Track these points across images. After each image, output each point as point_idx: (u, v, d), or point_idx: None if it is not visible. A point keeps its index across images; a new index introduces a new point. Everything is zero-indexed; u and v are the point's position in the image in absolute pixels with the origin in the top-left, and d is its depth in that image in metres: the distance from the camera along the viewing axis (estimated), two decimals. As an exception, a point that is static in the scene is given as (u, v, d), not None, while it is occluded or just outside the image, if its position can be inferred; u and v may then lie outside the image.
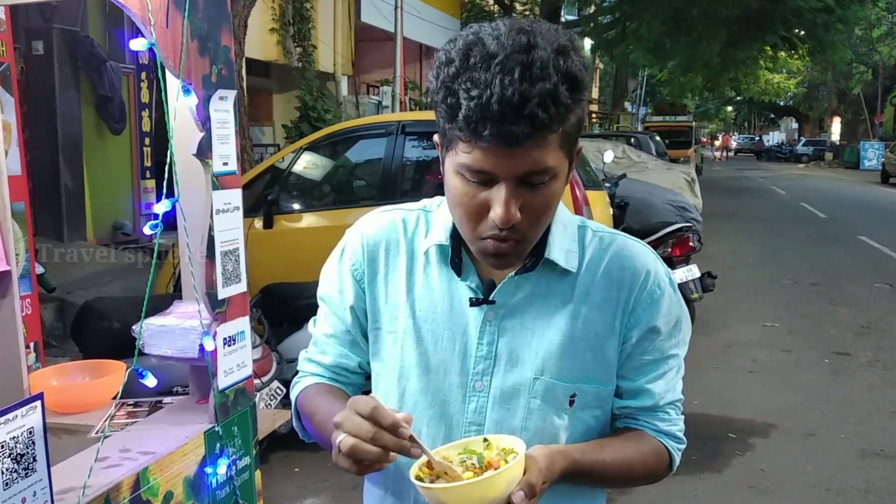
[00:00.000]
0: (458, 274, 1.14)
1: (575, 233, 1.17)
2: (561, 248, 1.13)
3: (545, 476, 0.98)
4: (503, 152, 0.96)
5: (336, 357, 1.24)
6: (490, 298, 1.13)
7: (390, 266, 1.20)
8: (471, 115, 0.94)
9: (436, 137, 1.11)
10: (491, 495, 0.92)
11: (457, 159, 1.01)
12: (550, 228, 1.13)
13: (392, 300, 1.19)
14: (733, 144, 58.36)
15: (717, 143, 57.19)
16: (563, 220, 1.16)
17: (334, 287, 1.23)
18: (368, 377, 1.27)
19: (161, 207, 1.70)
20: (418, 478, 0.97)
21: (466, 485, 0.93)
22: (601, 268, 1.15)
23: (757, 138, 62.05)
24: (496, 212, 1.00)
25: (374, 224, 1.23)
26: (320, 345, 1.27)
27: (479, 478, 0.94)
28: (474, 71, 0.94)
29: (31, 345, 2.62)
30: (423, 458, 0.99)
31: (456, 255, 1.14)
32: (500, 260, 1.06)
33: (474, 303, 1.13)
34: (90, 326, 3.69)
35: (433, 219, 1.20)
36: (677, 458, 1.21)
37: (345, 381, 1.26)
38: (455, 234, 1.14)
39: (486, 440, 1.02)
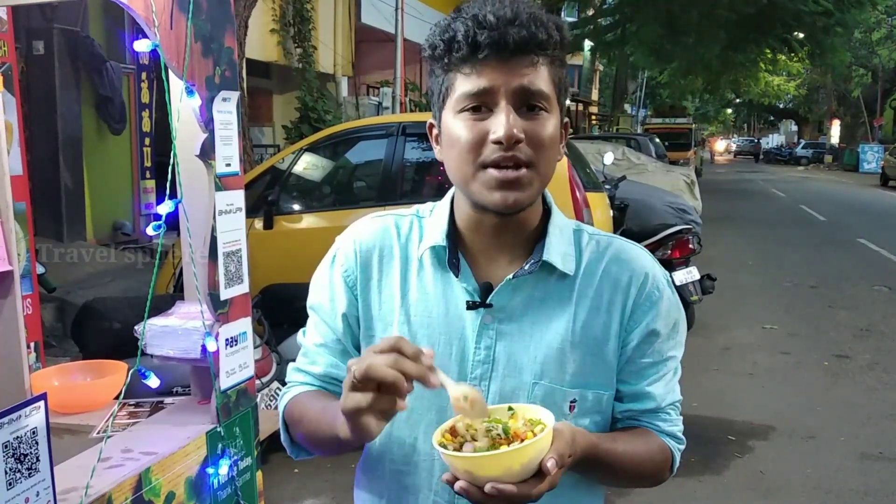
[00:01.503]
0: (456, 275, 1.12)
1: (571, 236, 1.16)
2: (558, 252, 1.13)
3: (572, 448, 0.97)
4: (502, 65, 1.02)
5: (326, 367, 1.21)
6: (487, 301, 1.11)
7: (384, 272, 1.18)
8: (468, 30, 1.02)
9: (429, 122, 1.15)
10: (518, 465, 0.90)
11: (455, 97, 1.06)
12: (548, 231, 1.13)
13: (386, 307, 1.17)
14: (721, 148, 58.52)
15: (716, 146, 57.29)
16: (560, 224, 1.16)
17: (325, 295, 1.21)
18: None
19: (164, 208, 1.70)
20: (442, 445, 0.94)
21: (495, 455, 0.90)
22: (599, 271, 1.14)
23: (755, 141, 62.14)
24: (498, 125, 1.02)
25: (366, 230, 1.21)
26: (310, 355, 1.23)
27: (508, 448, 0.91)
28: (468, 11, 1.04)
29: (32, 345, 2.62)
30: (446, 424, 0.97)
31: (453, 255, 1.13)
32: (507, 191, 1.04)
33: (471, 306, 1.11)
34: (90, 326, 3.69)
35: (426, 224, 1.19)
36: (678, 458, 1.21)
37: (336, 390, 1.21)
38: (451, 235, 1.14)
39: (510, 409, 1.00)
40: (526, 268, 1.11)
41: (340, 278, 1.19)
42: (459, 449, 0.94)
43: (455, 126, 1.06)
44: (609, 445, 1.08)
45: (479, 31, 1.02)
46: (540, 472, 0.92)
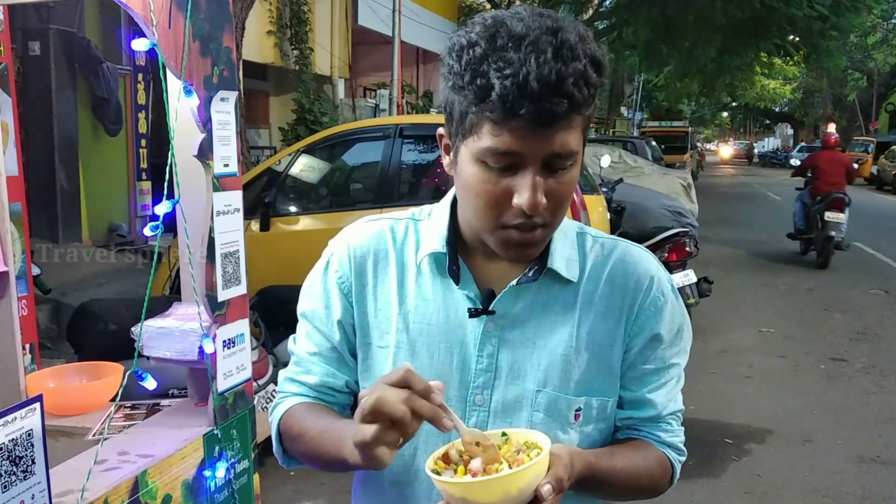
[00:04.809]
0: (457, 283, 1.10)
1: (574, 240, 1.14)
2: (562, 257, 1.10)
3: (569, 472, 0.94)
4: (536, 132, 0.93)
5: (323, 376, 1.17)
6: (490, 308, 1.09)
7: (379, 278, 1.14)
8: (507, 93, 0.91)
9: (441, 130, 1.07)
10: (514, 490, 0.88)
11: (480, 144, 0.97)
12: (552, 237, 1.10)
13: (382, 314, 1.14)
14: (727, 154, 58.81)
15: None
16: (563, 227, 1.12)
17: (319, 302, 1.17)
18: (355, 396, 1.19)
19: (162, 209, 1.69)
20: (435, 472, 0.91)
21: (491, 480, 0.88)
22: (604, 276, 1.12)
23: (746, 144, 62.38)
24: (523, 197, 0.96)
25: (360, 234, 1.17)
26: (304, 364, 1.19)
27: (502, 473, 0.88)
28: (504, 51, 0.92)
29: (27, 346, 2.60)
30: (439, 451, 0.95)
31: (453, 262, 1.10)
32: (525, 250, 1.03)
33: (473, 313, 1.09)
34: (86, 328, 3.67)
35: (423, 228, 1.15)
36: (678, 469, 1.18)
37: (332, 400, 1.19)
38: (451, 242, 1.11)
39: (504, 434, 0.98)
40: (529, 274, 1.09)
41: (335, 285, 1.16)
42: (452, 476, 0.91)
43: (475, 173, 0.99)
44: (607, 463, 1.05)
45: (519, 101, 0.91)
46: (536, 499, 0.90)
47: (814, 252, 10.29)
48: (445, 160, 1.09)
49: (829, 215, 9.60)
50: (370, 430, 0.88)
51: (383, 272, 1.15)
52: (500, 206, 0.99)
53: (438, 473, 0.92)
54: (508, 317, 1.09)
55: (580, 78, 0.92)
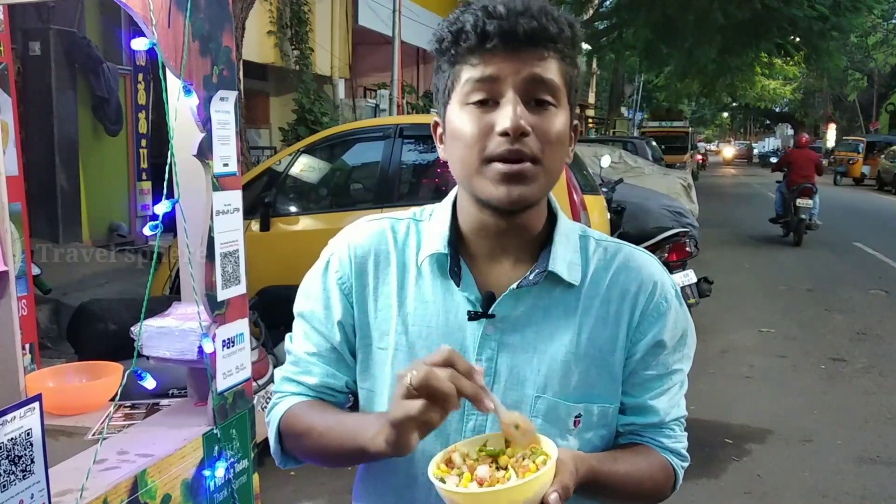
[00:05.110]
0: (458, 284, 1.08)
1: (577, 243, 1.13)
2: (564, 260, 1.09)
3: (575, 479, 0.94)
4: (510, 57, 1.00)
5: (323, 377, 1.16)
6: (490, 312, 1.07)
7: (380, 279, 1.13)
8: (477, 20, 1.00)
9: (435, 119, 1.12)
10: (521, 500, 0.87)
11: (462, 88, 1.02)
12: (554, 239, 1.10)
13: (382, 315, 1.13)
14: (729, 154, 58.66)
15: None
16: (565, 230, 1.12)
17: (319, 302, 1.16)
18: (355, 395, 1.20)
19: (161, 208, 1.69)
20: (439, 478, 0.90)
21: (497, 491, 0.87)
22: (606, 280, 1.11)
23: (746, 145, 62.39)
24: (504, 116, 0.99)
25: (361, 234, 1.16)
26: (303, 364, 1.18)
27: (509, 484, 0.87)
28: (477, 3, 1.03)
29: (27, 346, 2.60)
30: (441, 455, 0.94)
31: (454, 263, 1.09)
32: (512, 185, 1.00)
33: (473, 316, 1.07)
34: (86, 328, 3.67)
35: (424, 229, 1.14)
36: (681, 475, 1.17)
37: (332, 400, 1.18)
38: (453, 243, 1.10)
39: (517, 426, 0.96)
40: (531, 277, 1.07)
41: (335, 285, 1.15)
42: (458, 483, 0.90)
43: (460, 119, 1.03)
44: (610, 467, 1.05)
45: (489, 21, 0.99)
46: None
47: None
48: (440, 149, 1.11)
49: (800, 202, 11.76)
50: (416, 404, 0.88)
51: (384, 273, 1.14)
52: (485, 138, 1.01)
53: (443, 481, 0.90)
54: (508, 321, 1.08)
55: (546, 10, 1.01)
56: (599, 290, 1.10)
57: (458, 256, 1.10)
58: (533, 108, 1.01)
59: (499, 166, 1.00)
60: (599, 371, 1.09)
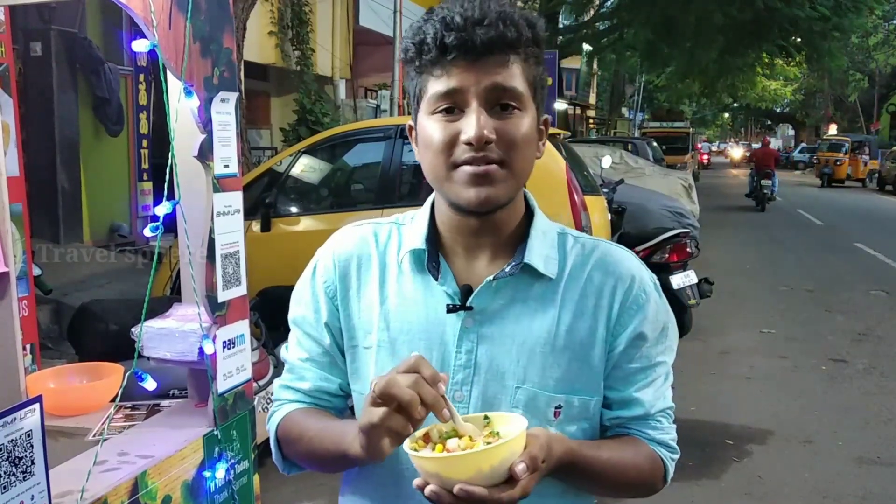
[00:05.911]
0: (436, 278, 1.11)
1: (555, 239, 1.15)
2: (540, 254, 1.11)
3: (545, 454, 0.95)
4: (470, 67, 1.02)
5: (316, 381, 1.19)
6: (467, 304, 1.09)
7: (362, 280, 1.16)
8: (436, 32, 1.02)
9: (409, 122, 1.14)
10: (488, 467, 0.89)
11: (428, 100, 1.05)
12: (530, 234, 1.12)
13: (366, 315, 1.15)
14: (737, 155, 58.65)
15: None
16: (543, 228, 1.14)
17: (308, 307, 1.19)
18: (349, 398, 1.22)
19: (162, 209, 1.69)
20: (413, 449, 0.94)
21: (463, 455, 0.89)
22: (584, 275, 1.12)
23: (746, 145, 62.41)
24: (468, 126, 1.02)
25: (344, 240, 1.20)
26: (297, 371, 1.21)
27: (476, 449, 0.90)
28: (437, 13, 1.04)
29: (28, 347, 2.61)
30: (420, 431, 0.96)
31: (433, 259, 1.12)
32: (479, 187, 1.03)
33: (451, 309, 1.09)
34: (87, 329, 3.67)
35: (405, 232, 1.17)
36: (671, 467, 1.18)
37: (327, 405, 1.21)
38: (431, 239, 1.13)
39: (486, 417, 0.99)
40: (507, 269, 1.10)
41: (322, 289, 1.18)
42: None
43: (428, 127, 1.06)
44: (592, 452, 1.06)
45: (447, 34, 1.01)
46: (511, 478, 0.91)
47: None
48: (416, 150, 1.14)
49: (763, 182, 18.24)
50: (378, 412, 0.92)
51: (365, 275, 1.17)
52: (452, 146, 1.04)
53: (416, 451, 0.93)
54: (486, 313, 1.10)
55: (504, 15, 1.02)
56: (578, 285, 1.12)
57: (436, 252, 1.13)
58: (497, 113, 1.04)
59: (467, 168, 1.04)
60: (580, 364, 1.10)
